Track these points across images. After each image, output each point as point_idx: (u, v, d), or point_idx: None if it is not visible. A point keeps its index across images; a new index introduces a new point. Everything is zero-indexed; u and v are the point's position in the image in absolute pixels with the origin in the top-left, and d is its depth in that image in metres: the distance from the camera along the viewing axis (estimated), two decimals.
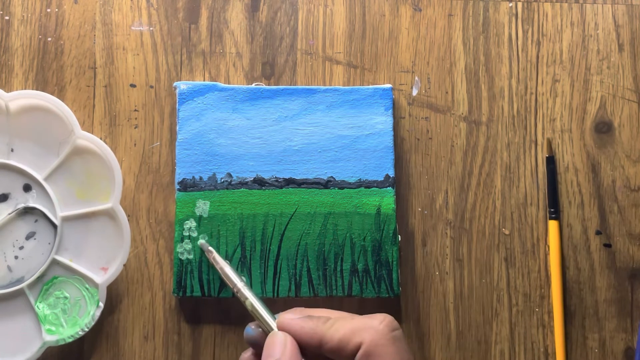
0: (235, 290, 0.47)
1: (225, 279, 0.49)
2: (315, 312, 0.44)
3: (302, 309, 0.45)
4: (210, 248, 0.50)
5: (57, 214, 0.51)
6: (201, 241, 0.51)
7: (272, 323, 0.44)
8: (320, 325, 0.42)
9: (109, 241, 0.51)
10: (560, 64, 0.55)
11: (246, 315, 0.52)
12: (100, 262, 0.51)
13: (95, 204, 0.51)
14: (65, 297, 0.50)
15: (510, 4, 0.55)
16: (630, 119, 0.54)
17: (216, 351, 0.52)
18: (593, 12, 0.55)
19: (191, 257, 0.51)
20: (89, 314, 0.50)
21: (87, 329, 0.50)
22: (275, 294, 0.50)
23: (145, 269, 0.52)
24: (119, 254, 0.51)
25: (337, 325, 0.42)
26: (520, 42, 0.55)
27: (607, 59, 0.55)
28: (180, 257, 0.50)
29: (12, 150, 0.51)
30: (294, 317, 0.43)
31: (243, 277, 0.49)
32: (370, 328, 0.41)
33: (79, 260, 0.51)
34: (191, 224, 0.51)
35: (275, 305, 0.52)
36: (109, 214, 0.51)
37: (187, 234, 0.51)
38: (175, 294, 0.50)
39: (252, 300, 0.46)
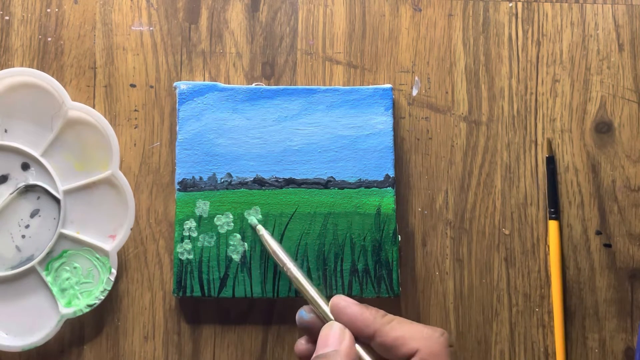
0: (285, 269, 0.47)
1: (274, 257, 0.48)
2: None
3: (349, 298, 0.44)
4: (259, 226, 0.50)
5: (59, 188, 0.51)
6: (253, 220, 0.50)
7: (326, 308, 0.44)
8: (378, 317, 0.42)
9: (114, 209, 0.52)
10: (560, 64, 0.55)
11: (247, 315, 0.52)
12: (107, 230, 0.52)
13: (95, 173, 0.52)
14: (75, 268, 0.51)
15: (510, 4, 0.55)
16: (630, 119, 0.54)
17: (216, 351, 0.52)
18: (593, 12, 0.55)
19: (191, 257, 0.51)
20: (102, 282, 0.51)
21: (102, 297, 0.50)
22: (275, 294, 0.50)
23: (145, 269, 0.52)
24: (124, 220, 0.51)
25: (395, 323, 0.42)
26: (520, 42, 0.55)
27: (607, 59, 0.55)
28: (180, 257, 0.51)
29: (5, 130, 0.52)
30: (349, 302, 0.43)
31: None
32: (429, 338, 0.41)
33: (86, 232, 0.52)
34: (191, 224, 0.51)
35: (276, 305, 0.52)
36: (109, 182, 0.52)
37: (187, 234, 0.51)
38: (175, 294, 0.50)
39: (303, 282, 0.46)
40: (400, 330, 0.41)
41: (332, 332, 0.42)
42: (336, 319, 0.43)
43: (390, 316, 0.42)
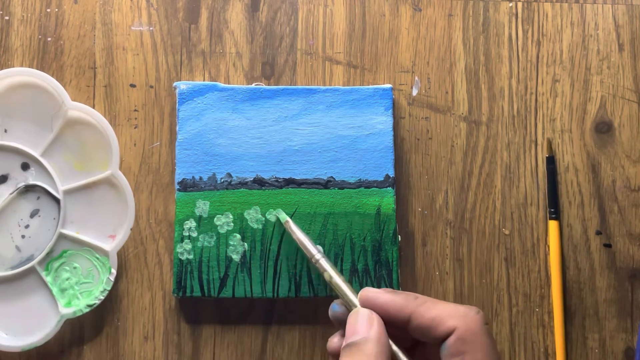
0: (313, 261, 0.46)
1: (303, 249, 0.47)
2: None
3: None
4: (288, 218, 0.49)
5: (59, 188, 0.51)
6: (281, 213, 0.50)
7: (354, 298, 0.43)
8: (411, 300, 0.41)
9: (113, 209, 0.52)
10: (560, 64, 0.55)
11: (247, 315, 0.52)
12: (107, 230, 0.52)
13: (95, 173, 0.52)
14: (75, 268, 0.51)
15: (510, 4, 0.55)
16: (630, 119, 0.54)
17: (216, 351, 0.52)
18: (593, 12, 0.55)
19: (191, 257, 0.51)
20: (102, 282, 0.51)
21: (102, 297, 0.50)
22: (275, 294, 0.50)
23: (145, 269, 0.52)
24: (124, 220, 0.51)
25: (429, 304, 0.41)
26: (520, 42, 0.55)
27: (607, 59, 0.55)
28: (180, 257, 0.50)
29: (5, 130, 0.52)
30: (379, 291, 0.42)
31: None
32: (466, 315, 0.40)
33: (86, 232, 0.52)
34: (191, 224, 0.51)
35: (276, 305, 0.52)
36: (109, 182, 0.52)
37: (187, 234, 0.51)
38: (175, 294, 0.50)
39: (333, 274, 0.45)
40: (435, 310, 0.40)
41: (359, 319, 0.41)
42: None
43: (422, 297, 0.41)
